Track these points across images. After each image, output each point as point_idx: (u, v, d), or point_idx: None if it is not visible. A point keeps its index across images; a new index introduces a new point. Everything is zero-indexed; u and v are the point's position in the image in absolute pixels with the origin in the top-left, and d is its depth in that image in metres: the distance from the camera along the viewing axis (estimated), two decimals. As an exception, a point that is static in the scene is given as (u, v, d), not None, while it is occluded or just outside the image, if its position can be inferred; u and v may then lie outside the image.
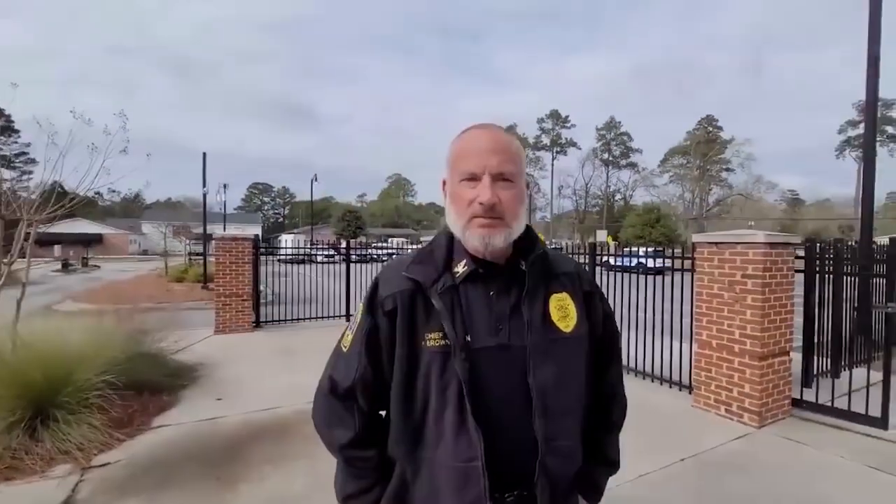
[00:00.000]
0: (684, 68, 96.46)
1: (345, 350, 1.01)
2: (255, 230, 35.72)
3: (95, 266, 28.64)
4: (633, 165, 66.13)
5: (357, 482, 1.00)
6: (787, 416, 4.07)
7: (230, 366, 5.55)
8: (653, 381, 4.95)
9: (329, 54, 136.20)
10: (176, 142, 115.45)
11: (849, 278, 5.06)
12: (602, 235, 35.54)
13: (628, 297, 5.21)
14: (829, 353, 4.87)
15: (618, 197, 68.06)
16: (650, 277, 5.56)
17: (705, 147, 57.83)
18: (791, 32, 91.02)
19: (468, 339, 0.89)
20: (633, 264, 5.99)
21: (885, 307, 4.02)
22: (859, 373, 4.30)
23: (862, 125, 7.03)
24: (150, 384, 4.33)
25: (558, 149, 67.45)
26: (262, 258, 8.23)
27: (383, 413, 1.02)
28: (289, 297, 8.58)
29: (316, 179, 37.55)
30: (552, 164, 67.05)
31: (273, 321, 8.03)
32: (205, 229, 15.29)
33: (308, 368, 5.32)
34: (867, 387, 3.82)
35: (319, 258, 12.96)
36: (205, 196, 16.25)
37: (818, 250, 4.58)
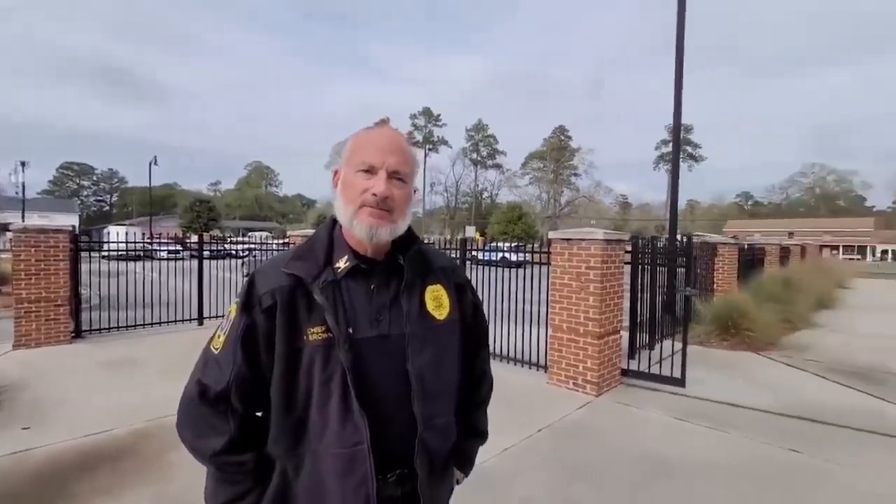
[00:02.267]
0: (543, 79, 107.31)
1: (216, 352, 0.96)
2: (71, 220, 29.70)
3: None
4: (498, 166, 71.32)
5: (231, 488, 0.95)
6: (618, 384, 4.87)
7: (42, 386, 4.56)
8: (515, 363, 5.47)
9: (173, 16, 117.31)
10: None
11: (661, 268, 6.22)
12: (471, 231, 37.68)
13: (494, 288, 5.66)
14: (648, 329, 5.96)
15: (485, 195, 72.80)
16: (513, 270, 6.11)
17: (558, 153, 65.28)
18: (627, 59, 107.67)
19: (350, 330, 0.92)
20: (497, 258, 6.50)
21: (684, 291, 5.06)
22: (668, 344, 5.34)
23: (671, 144, 8.61)
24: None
25: (430, 146, 69.38)
26: (84, 255, 6.90)
27: (260, 414, 0.99)
28: (122, 300, 7.33)
29: (155, 163, 32.95)
30: (424, 161, 68.73)
31: (101, 330, 6.79)
32: None
33: (151, 381, 4.77)
34: (672, 355, 4.78)
35: (162, 254, 11.32)
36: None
37: (640, 246, 5.56)
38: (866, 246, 52.78)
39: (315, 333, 0.91)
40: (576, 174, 66.93)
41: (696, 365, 5.27)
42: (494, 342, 5.59)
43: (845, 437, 3.74)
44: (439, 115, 69.45)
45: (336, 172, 1.00)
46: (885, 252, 53.36)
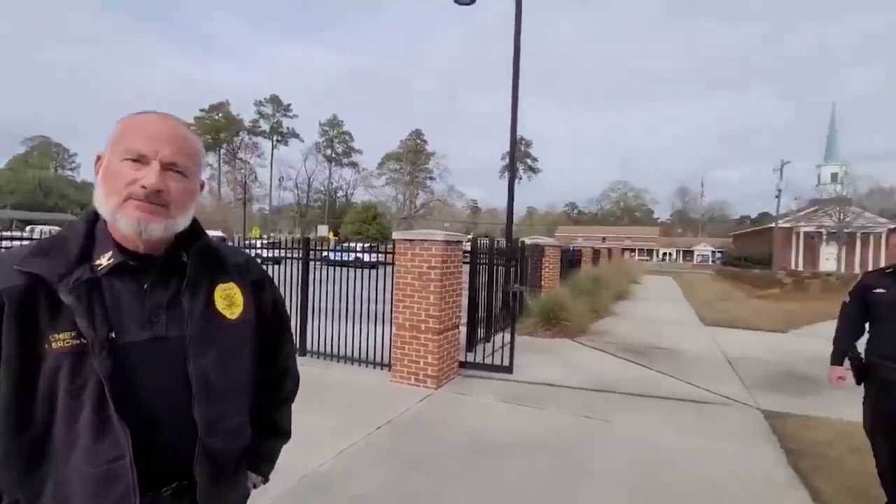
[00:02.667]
0: (401, 82, 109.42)
1: None
2: None
3: None
4: (354, 165, 70.35)
5: None
6: (457, 376, 5.20)
7: None
8: (360, 364, 5.43)
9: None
10: None
11: (498, 267, 6.86)
12: (324, 230, 36.43)
13: (343, 289, 5.54)
14: (485, 323, 6.50)
15: (340, 193, 71.09)
16: (366, 271, 6.08)
17: (414, 156, 67.27)
18: (480, 71, 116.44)
19: (112, 335, 0.82)
20: (350, 258, 6.39)
21: (513, 287, 5.65)
22: (501, 336, 5.90)
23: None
24: None
25: (279, 137, 65.04)
26: None
27: None
28: None
29: None
30: (272, 153, 64.18)
31: None
32: None
33: None
34: (503, 346, 5.30)
35: None
36: None
37: (479, 247, 6.03)
38: (653, 249, 66.47)
39: (60, 340, 0.79)
40: (431, 178, 70.01)
41: (524, 353, 5.94)
42: (341, 344, 5.48)
43: (629, 401, 4.63)
44: (290, 105, 65.51)
45: (99, 158, 0.89)
46: (665, 254, 68.13)
